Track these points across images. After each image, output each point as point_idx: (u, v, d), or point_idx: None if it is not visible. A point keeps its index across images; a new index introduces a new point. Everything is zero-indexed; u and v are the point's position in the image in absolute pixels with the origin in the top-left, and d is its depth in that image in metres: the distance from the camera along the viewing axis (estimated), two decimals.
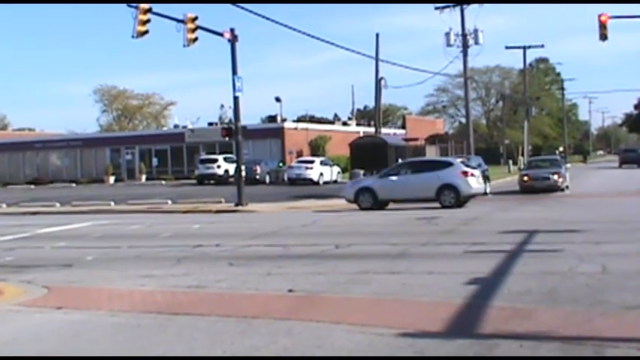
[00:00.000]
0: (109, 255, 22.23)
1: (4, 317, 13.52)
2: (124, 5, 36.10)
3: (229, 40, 41.19)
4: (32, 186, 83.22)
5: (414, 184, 36.42)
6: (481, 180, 38.09)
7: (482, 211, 33.29)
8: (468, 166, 38.70)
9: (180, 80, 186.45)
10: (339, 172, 68.93)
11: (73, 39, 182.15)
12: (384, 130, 74.60)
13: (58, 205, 46.88)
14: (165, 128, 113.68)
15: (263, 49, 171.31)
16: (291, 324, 11.99)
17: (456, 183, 35.79)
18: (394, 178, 37.29)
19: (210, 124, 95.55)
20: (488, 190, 46.23)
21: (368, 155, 49.75)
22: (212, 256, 21.04)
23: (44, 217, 40.18)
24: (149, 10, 36.42)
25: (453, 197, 35.72)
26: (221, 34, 40.82)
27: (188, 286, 16.02)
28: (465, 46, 60.75)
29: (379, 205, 36.80)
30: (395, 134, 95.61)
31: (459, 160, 41.08)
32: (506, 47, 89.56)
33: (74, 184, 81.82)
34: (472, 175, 36.77)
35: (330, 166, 68.34)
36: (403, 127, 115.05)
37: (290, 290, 15.03)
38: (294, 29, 45.98)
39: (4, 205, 48.91)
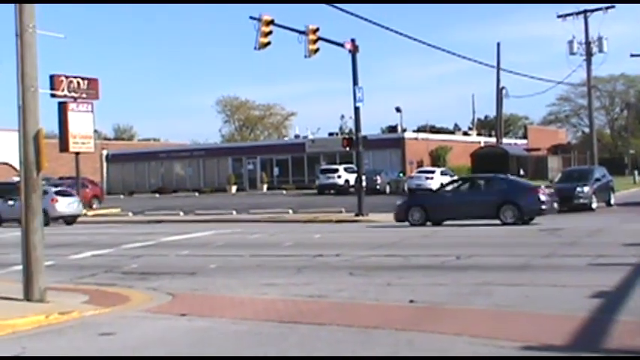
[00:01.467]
0: (231, 263, 22.58)
1: (131, 323, 13.89)
2: (247, 17, 36.72)
3: (350, 51, 41.39)
4: (157, 195, 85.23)
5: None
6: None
7: (606, 223, 32.52)
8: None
9: (301, 91, 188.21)
10: None
11: (197, 51, 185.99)
12: (505, 140, 73.68)
13: (181, 213, 47.89)
14: (286, 138, 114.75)
15: (383, 60, 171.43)
16: (412, 335, 11.96)
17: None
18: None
19: (330, 134, 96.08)
20: (612, 202, 45.04)
21: (489, 165, 49.31)
22: (333, 265, 21.15)
23: (168, 225, 41.11)
24: (271, 22, 36.96)
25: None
26: (342, 45, 41.07)
27: (309, 295, 16.14)
28: (589, 55, 59.58)
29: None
30: (516, 144, 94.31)
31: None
32: (631, 55, 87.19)
33: (197, 194, 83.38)
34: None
35: (451, 176, 67.82)
36: (524, 137, 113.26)
37: (411, 301, 14.99)
38: (415, 39, 45.86)
39: (130, 214, 50.26)
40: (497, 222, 33.17)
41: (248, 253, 24.87)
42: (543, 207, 34.07)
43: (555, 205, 35.22)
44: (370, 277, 18.43)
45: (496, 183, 35.96)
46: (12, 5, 15.87)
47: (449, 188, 37.07)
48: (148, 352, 11.63)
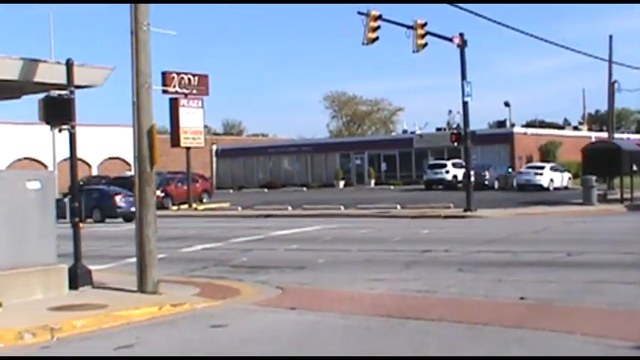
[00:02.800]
0: (339, 258, 22.66)
1: (242, 316, 14.08)
2: (355, 12, 36.75)
3: (458, 45, 41.02)
4: (265, 190, 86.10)
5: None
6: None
7: None
8: None
9: (408, 86, 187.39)
10: (569, 178, 67.07)
11: (305, 47, 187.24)
12: (617, 135, 71.89)
13: (289, 208, 48.23)
14: (393, 134, 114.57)
15: (491, 54, 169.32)
16: (522, 332, 11.81)
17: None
18: None
19: (438, 129, 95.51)
20: None
21: (601, 161, 47.98)
22: (441, 261, 21.03)
23: (277, 219, 41.47)
24: (379, 17, 36.89)
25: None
26: (450, 40, 40.74)
27: (418, 291, 16.10)
28: None
29: None
30: (629, 139, 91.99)
31: None
32: None
33: (305, 188, 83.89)
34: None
35: (561, 172, 66.63)
36: (637, 131, 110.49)
37: (521, 298, 14.80)
38: (525, 33, 45.14)
39: (239, 208, 50.88)
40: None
41: (356, 248, 24.92)
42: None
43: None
44: (479, 273, 18.27)
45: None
46: (127, 4, 16.24)
47: None
48: (258, 344, 11.77)
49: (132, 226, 17.29)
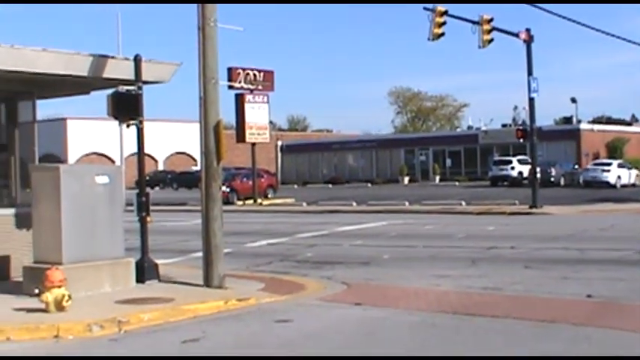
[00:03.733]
0: (404, 254, 22.60)
1: (307, 311, 14.12)
2: (421, 8, 36.58)
3: (525, 41, 40.55)
4: (329, 185, 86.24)
5: None
6: None
7: None
8: None
9: (473, 82, 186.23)
10: (637, 175, 66.02)
11: (370, 42, 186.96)
12: None
13: (354, 204, 48.21)
14: (458, 130, 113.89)
15: (557, 49, 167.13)
16: (590, 330, 11.67)
17: None
18: None
19: (503, 125, 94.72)
20: None
21: None
22: (507, 258, 20.85)
23: (341, 215, 41.48)
24: (445, 13, 36.67)
25: None
26: (516, 35, 40.30)
27: (483, 288, 15.98)
28: None
29: None
30: None
31: None
32: None
33: (369, 184, 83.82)
34: None
35: (628, 169, 65.61)
36: None
37: (588, 295, 14.61)
38: (592, 28, 44.40)
39: (304, 204, 51.00)
40: None
41: (421, 244, 24.83)
42: None
43: None
44: (545, 270, 18.08)
45: None
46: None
47: None
48: (323, 340, 11.79)
49: (198, 220, 17.43)
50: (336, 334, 12.20)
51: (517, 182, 66.73)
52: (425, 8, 36.52)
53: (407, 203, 46.26)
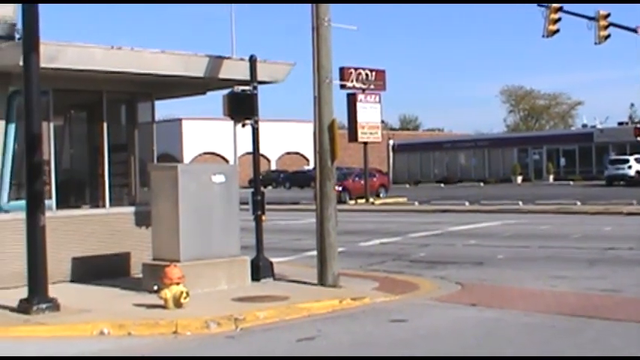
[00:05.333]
0: (518, 254, 22.27)
1: (421, 311, 14.04)
2: (534, 5, 36.02)
3: None
4: (441, 184, 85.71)
5: None
6: None
7: None
8: None
9: (588, 79, 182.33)
10: None
11: (482, 41, 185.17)
12: None
13: (466, 203, 47.76)
14: (572, 128, 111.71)
15: None
16: None
17: None
18: None
19: (620, 123, 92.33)
20: None
21: None
22: (626, 259, 20.33)
23: (454, 215, 41.14)
24: (560, 9, 36.04)
25: None
26: (634, 30, 39.34)
27: (602, 290, 15.61)
28: None
29: None
30: None
31: None
32: None
33: (482, 184, 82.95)
34: None
35: None
36: None
37: None
38: None
39: (416, 203, 50.80)
40: None
41: (536, 244, 24.41)
42: None
43: None
44: None
45: None
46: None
47: None
48: (439, 340, 11.71)
49: (311, 219, 17.50)
50: (452, 334, 12.10)
51: (634, 182, 65.05)
52: (539, 5, 35.96)
53: (520, 203, 45.56)
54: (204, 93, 20.53)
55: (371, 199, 54.48)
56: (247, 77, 17.36)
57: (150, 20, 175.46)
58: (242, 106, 17.29)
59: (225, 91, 17.62)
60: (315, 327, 12.74)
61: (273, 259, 17.95)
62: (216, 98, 17.99)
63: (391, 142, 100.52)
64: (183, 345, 11.93)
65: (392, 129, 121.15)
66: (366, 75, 53.46)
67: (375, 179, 61.14)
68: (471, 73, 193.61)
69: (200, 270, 15.58)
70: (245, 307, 13.93)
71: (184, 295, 13.78)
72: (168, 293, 13.77)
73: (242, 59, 17.93)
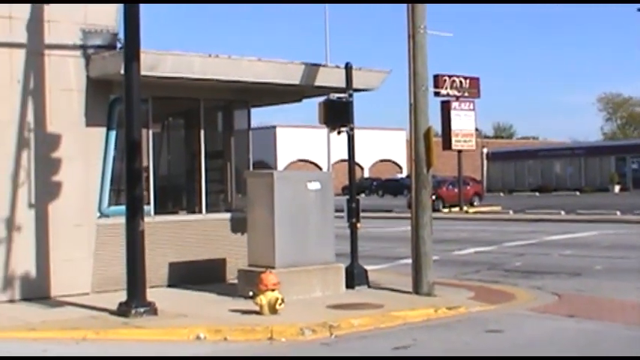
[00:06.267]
0: (617, 265, 21.78)
1: (518, 321, 13.84)
2: (633, 10, 35.29)
3: None
4: (536, 193, 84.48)
5: None
6: None
7: None
8: None
9: None
10: None
11: (578, 47, 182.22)
12: None
13: (562, 212, 46.99)
14: None
15: None
16: None
17: None
18: None
19: None
20: None
21: None
22: None
23: (549, 224, 40.51)
24: None
25: None
26: None
27: None
28: None
29: None
30: None
31: None
32: None
33: (577, 193, 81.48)
34: None
35: None
36: None
37: None
38: None
39: (510, 212, 50.20)
40: None
41: (635, 255, 23.85)
42: None
43: None
44: None
45: None
46: (404, 7, 16.40)
47: None
48: (537, 351, 11.52)
49: (404, 227, 17.41)
50: (550, 345, 11.89)
51: None
52: (639, 9, 35.22)
53: (618, 213, 44.62)
54: (299, 100, 20.66)
55: (465, 208, 54.05)
56: (343, 85, 17.40)
57: (245, 28, 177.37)
58: (337, 114, 17.32)
59: (321, 99, 17.70)
60: (410, 335, 12.66)
61: (367, 267, 17.93)
62: (309, 105, 18.09)
63: (485, 150, 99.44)
64: (278, 351, 11.99)
65: (486, 137, 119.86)
66: (460, 82, 53.09)
67: (468, 187, 60.66)
68: (565, 81, 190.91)
69: (295, 277, 15.64)
70: (340, 315, 13.94)
71: (279, 301, 13.85)
72: (263, 299, 13.86)
73: (337, 67, 17.98)
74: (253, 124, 20.30)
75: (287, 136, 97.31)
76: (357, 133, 17.78)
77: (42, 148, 15.86)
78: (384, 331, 13.13)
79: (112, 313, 13.97)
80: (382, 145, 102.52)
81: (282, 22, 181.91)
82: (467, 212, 52.77)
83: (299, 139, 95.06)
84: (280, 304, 13.86)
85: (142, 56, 14.30)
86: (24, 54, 15.79)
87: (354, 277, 17.04)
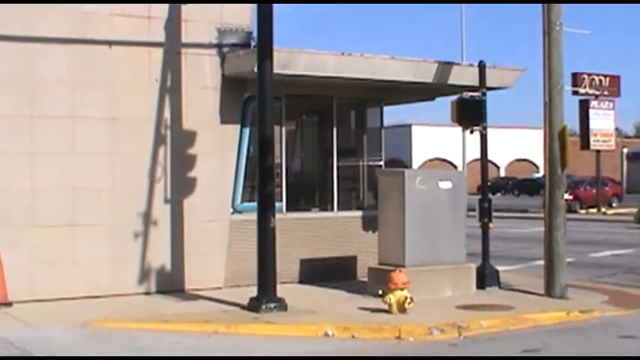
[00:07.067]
0: None
1: None
2: None
3: None
4: None
5: None
6: None
7: None
8: None
9: None
10: None
11: None
12: None
13: None
14: None
15: None
16: None
17: None
18: None
19: None
20: None
21: None
22: None
23: None
24: None
25: None
26: None
27: None
28: None
29: None
30: None
31: None
32: None
33: None
34: None
35: None
36: None
37: None
38: None
39: None
40: None
41: None
42: None
43: None
44: None
45: None
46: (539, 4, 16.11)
47: None
48: None
49: (539, 228, 17.07)
50: None
51: None
52: None
53: None
54: (432, 99, 20.56)
55: (603, 209, 52.69)
56: (476, 83, 17.23)
57: (376, 26, 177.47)
58: (470, 113, 17.16)
59: (454, 97, 17.56)
60: (540, 339, 12.45)
61: (498, 267, 17.71)
62: (445, 104, 17.96)
63: (625, 150, 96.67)
64: (405, 350, 11.95)
65: (626, 137, 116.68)
66: (600, 81, 51.71)
67: (607, 188, 59.12)
68: None
69: (425, 276, 15.57)
70: (469, 315, 13.81)
71: (408, 300, 13.82)
72: (392, 298, 13.85)
73: (471, 65, 17.82)
74: (389, 122, 20.29)
75: (423, 135, 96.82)
76: (492, 132, 17.59)
77: (178, 145, 16.28)
78: (514, 334, 12.95)
79: (242, 307, 14.22)
80: (519, 144, 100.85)
81: (412, 22, 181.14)
82: (605, 214, 51.43)
83: (435, 138, 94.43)
84: (409, 303, 13.83)
85: (276, 55, 14.49)
86: (162, 53, 16.24)
87: (485, 278, 16.85)
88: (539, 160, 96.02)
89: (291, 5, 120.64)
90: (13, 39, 15.05)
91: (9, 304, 14.42)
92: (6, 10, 14.95)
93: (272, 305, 13.95)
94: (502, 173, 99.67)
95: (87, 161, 15.61)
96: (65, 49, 15.50)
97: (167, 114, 16.29)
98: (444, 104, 17.83)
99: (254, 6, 15.09)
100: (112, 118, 15.85)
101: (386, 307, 13.87)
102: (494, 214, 17.86)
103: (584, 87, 50.51)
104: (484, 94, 17.15)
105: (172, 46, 16.30)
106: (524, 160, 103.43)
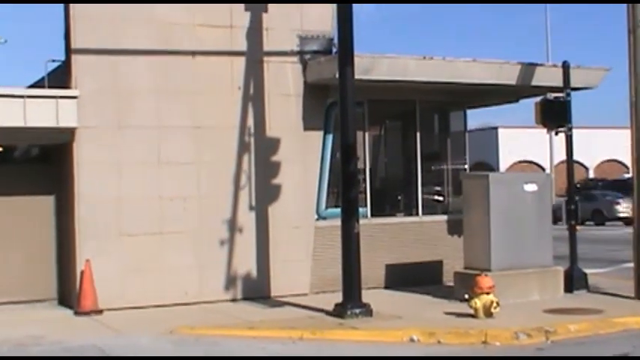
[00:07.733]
0: None
1: None
2: None
3: None
4: None
5: None
6: None
7: None
8: None
9: None
10: None
11: None
12: None
13: None
14: None
15: None
16: None
17: None
18: None
19: None
20: None
21: None
22: None
23: None
24: None
25: None
26: None
27: None
28: None
29: None
30: None
31: None
32: None
33: None
34: None
35: None
36: None
37: None
38: None
39: None
40: None
41: None
42: None
43: None
44: None
45: None
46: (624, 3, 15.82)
47: None
48: None
49: (631, 229, 16.72)
50: None
51: None
52: None
53: None
54: (516, 101, 20.35)
55: None
56: (560, 84, 16.99)
57: (458, 29, 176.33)
58: (555, 114, 16.93)
59: (537, 99, 17.35)
60: (630, 343, 12.21)
61: (587, 270, 17.41)
62: (530, 105, 17.76)
63: None
64: (491, 355, 11.84)
65: None
66: None
67: None
68: None
69: (511, 280, 15.41)
70: (556, 319, 13.61)
71: (495, 304, 13.69)
72: (478, 302, 13.74)
73: (554, 65, 17.61)
74: (475, 125, 20.19)
75: (509, 137, 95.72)
76: (580, 132, 17.34)
77: (261, 152, 16.44)
78: (603, 338, 12.72)
79: (328, 313, 14.26)
80: (608, 145, 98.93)
81: (494, 24, 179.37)
82: None
83: (521, 140, 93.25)
84: (495, 308, 13.69)
85: (357, 60, 14.51)
86: (244, 61, 16.44)
87: (573, 281, 16.59)
88: (628, 160, 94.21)
89: (370, 8, 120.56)
90: (101, 52, 15.40)
91: (99, 312, 14.76)
92: (93, 24, 15.30)
93: (357, 311, 13.96)
94: (591, 174, 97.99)
95: (172, 170, 15.88)
96: (149, 60, 15.81)
97: (250, 122, 16.46)
98: (530, 106, 17.65)
99: (334, 12, 15.13)
100: (196, 127, 16.09)
101: (472, 311, 13.76)
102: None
103: None
104: (568, 95, 16.90)
105: (254, 55, 16.48)
106: (614, 160, 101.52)
